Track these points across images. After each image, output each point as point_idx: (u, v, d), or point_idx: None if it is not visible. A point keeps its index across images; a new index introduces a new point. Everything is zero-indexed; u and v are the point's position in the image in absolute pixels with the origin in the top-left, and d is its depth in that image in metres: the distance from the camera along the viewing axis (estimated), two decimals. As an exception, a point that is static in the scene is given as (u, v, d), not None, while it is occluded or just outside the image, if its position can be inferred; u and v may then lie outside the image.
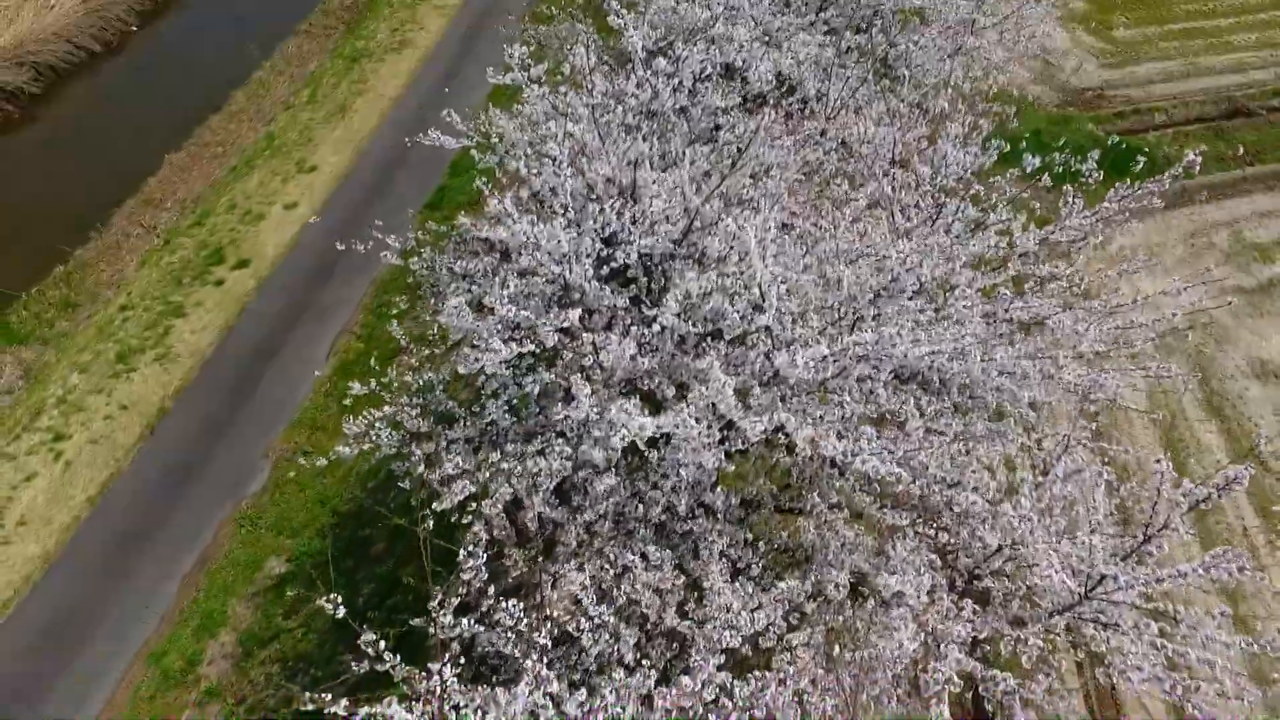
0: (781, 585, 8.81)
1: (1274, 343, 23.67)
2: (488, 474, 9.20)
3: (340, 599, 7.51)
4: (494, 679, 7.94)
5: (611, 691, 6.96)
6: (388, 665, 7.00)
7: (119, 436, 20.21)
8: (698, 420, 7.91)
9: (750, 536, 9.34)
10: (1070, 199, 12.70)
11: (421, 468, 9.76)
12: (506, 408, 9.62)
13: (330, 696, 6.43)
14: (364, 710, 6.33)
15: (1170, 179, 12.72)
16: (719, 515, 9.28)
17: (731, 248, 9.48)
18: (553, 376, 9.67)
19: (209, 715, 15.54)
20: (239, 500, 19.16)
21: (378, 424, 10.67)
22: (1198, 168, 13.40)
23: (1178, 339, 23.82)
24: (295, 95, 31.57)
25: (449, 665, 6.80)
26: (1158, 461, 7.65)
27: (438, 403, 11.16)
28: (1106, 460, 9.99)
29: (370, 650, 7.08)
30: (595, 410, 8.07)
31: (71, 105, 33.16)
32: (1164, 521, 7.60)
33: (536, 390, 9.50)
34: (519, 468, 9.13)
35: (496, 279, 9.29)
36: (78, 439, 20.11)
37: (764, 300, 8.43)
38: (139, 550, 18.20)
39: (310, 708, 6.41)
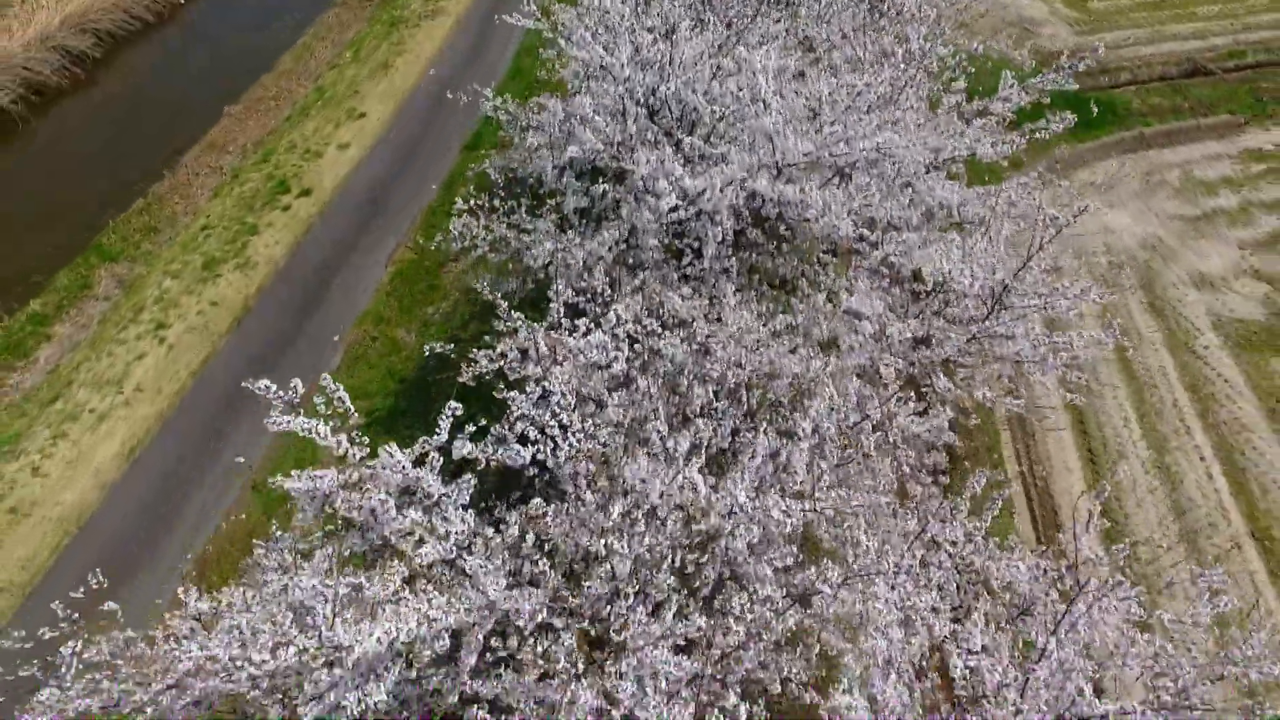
0: (778, 318, 12.75)
1: (1211, 260, 27.63)
2: (564, 246, 13.13)
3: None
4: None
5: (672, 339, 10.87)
6: (515, 322, 10.82)
7: (212, 326, 24.16)
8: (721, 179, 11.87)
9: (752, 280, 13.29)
10: (1008, 78, 16.74)
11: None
12: (577, 205, 13.59)
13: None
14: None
15: (1080, 67, 16.84)
16: (730, 274, 13.20)
17: (743, 89, 13.44)
18: (611, 188, 13.63)
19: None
20: (318, 375, 22.97)
21: (476, 229, 14.58)
22: (1079, 65, 17.42)
23: (1128, 257, 27.94)
24: (339, 56, 35.70)
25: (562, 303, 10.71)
26: (1035, 196, 11.58)
27: (520, 221, 15.06)
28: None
29: (504, 315, 10.93)
30: (652, 169, 12.00)
31: (131, 68, 37.26)
32: (1040, 243, 11.50)
33: (602, 192, 13.43)
34: (588, 242, 13.05)
35: (583, 93, 13.27)
36: (177, 328, 24.04)
37: (767, 108, 12.37)
38: (236, 412, 22.10)
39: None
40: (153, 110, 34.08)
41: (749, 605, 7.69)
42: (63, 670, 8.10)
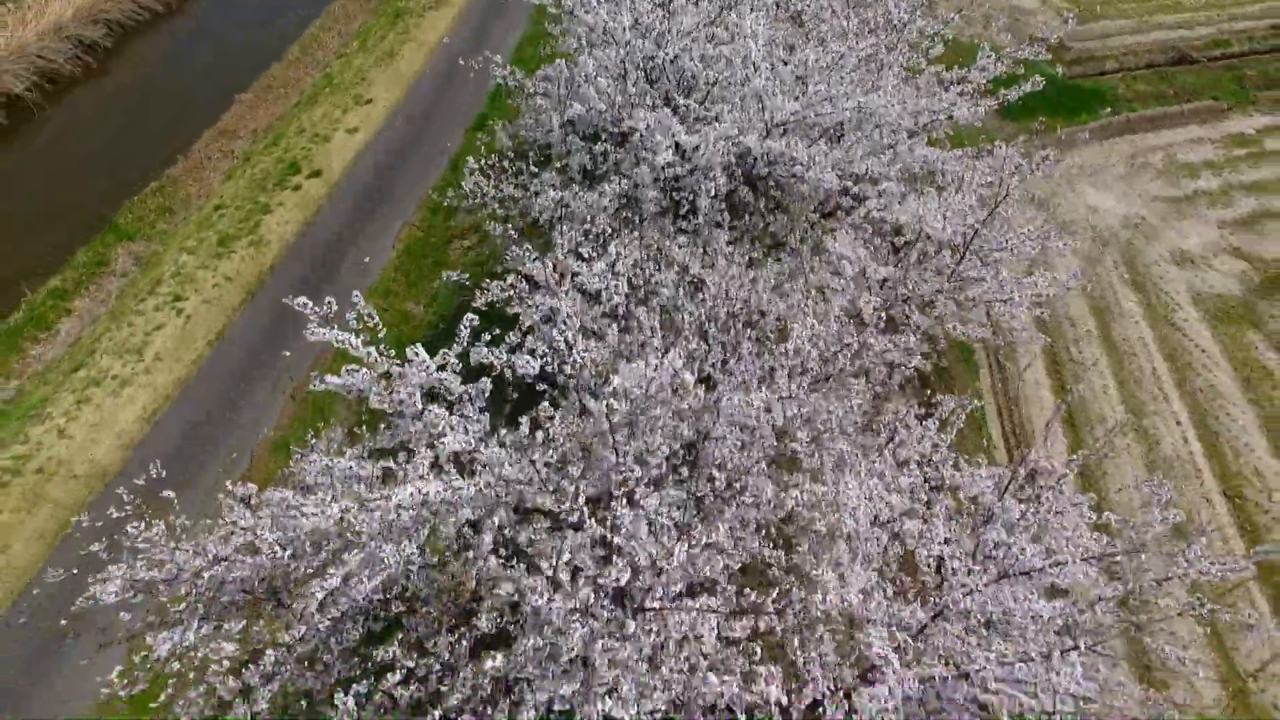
0: (768, 266, 13.91)
1: (1192, 239, 28.84)
2: (568, 199, 14.30)
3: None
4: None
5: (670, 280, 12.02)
6: (531, 257, 11.98)
7: (226, 299, 25.34)
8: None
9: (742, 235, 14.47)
10: (985, 48, 17.91)
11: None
12: (580, 163, 14.76)
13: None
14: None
15: (1053, 39, 17.96)
16: (723, 226, 14.37)
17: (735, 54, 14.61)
18: (611, 148, 14.79)
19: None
20: (329, 347, 24.19)
21: (486, 188, 15.76)
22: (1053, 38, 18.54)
23: (1111, 235, 29.10)
24: (346, 46, 36.96)
25: (567, 240, 11.86)
26: (1007, 151, 12.74)
27: (526, 181, 16.25)
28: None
29: (511, 254, 12.08)
30: (649, 127, 13.18)
31: (142, 57, 38.44)
32: (1006, 191, 12.67)
33: (603, 151, 14.60)
34: (589, 195, 14.22)
35: (586, 56, 14.46)
36: (193, 300, 25.23)
37: (756, 71, 13.55)
38: (253, 376, 23.35)
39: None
40: (164, 99, 35.27)
41: (729, 456, 8.84)
42: (132, 539, 9.22)
